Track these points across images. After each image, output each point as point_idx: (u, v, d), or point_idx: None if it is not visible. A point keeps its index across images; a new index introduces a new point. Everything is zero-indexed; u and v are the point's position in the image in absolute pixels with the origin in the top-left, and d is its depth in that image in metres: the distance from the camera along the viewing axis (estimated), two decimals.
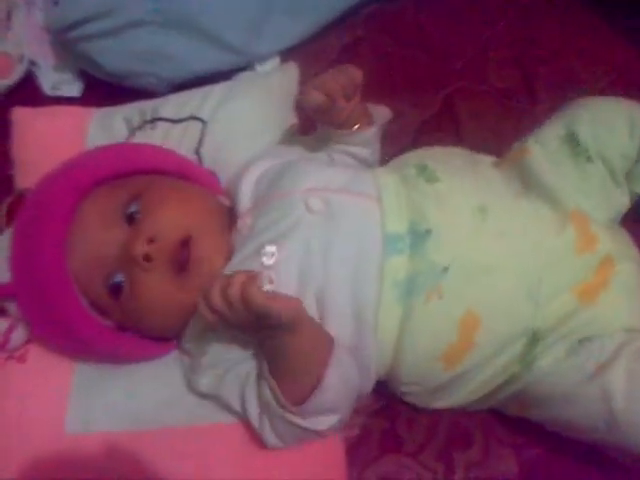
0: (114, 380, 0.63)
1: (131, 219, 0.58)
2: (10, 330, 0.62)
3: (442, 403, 0.62)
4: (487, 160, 0.69)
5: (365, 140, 0.66)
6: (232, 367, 0.58)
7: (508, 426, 0.65)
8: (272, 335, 0.52)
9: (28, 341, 0.64)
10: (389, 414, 0.66)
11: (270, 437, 0.57)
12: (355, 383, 0.57)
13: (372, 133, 0.65)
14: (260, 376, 0.56)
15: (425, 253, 0.55)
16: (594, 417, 0.54)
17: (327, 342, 0.55)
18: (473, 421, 0.65)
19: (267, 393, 0.54)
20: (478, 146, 0.73)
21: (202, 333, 0.59)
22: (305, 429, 0.55)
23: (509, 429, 0.65)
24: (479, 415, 0.65)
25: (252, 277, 0.50)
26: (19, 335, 0.62)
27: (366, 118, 0.65)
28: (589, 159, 0.60)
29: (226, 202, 0.66)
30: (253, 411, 0.57)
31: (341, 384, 0.54)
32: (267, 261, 0.56)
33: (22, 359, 0.64)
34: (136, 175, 0.63)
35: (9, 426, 0.61)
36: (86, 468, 0.59)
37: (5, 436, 0.60)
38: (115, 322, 0.61)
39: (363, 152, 0.67)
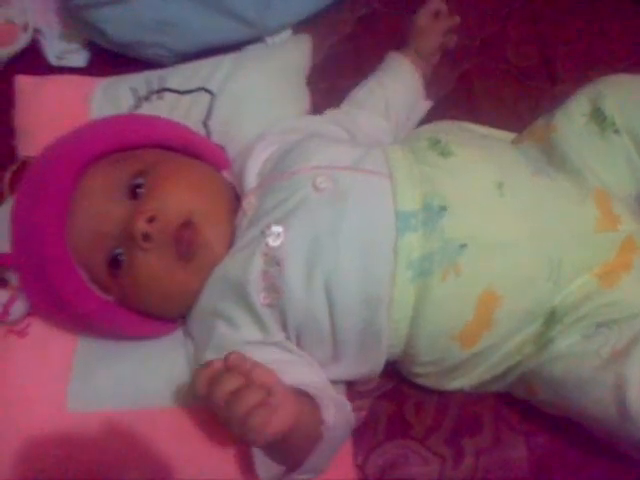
0: (117, 357, 0.61)
1: (134, 194, 0.57)
2: (11, 302, 0.61)
3: (455, 384, 0.61)
4: (504, 136, 0.68)
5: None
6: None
7: (518, 412, 0.63)
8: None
9: (29, 314, 0.63)
10: (396, 398, 0.65)
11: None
12: (340, 443, 0.56)
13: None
14: None
15: (441, 230, 0.54)
16: (606, 405, 0.52)
17: (315, 430, 0.51)
18: (483, 407, 0.64)
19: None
20: (495, 125, 0.72)
21: (206, 318, 0.58)
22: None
23: (519, 415, 0.64)
24: (489, 401, 0.64)
25: (262, 408, 0.45)
26: (20, 307, 0.61)
27: None
28: (616, 131, 0.59)
29: (232, 179, 0.64)
30: None
31: (326, 456, 0.54)
32: (273, 242, 0.54)
33: (23, 334, 0.63)
34: (143, 148, 0.62)
35: (9, 403, 0.60)
36: (87, 446, 0.58)
37: (5, 413, 0.59)
38: (116, 298, 0.59)
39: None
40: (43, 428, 0.59)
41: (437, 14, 0.76)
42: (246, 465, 0.57)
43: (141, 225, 0.54)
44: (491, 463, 0.62)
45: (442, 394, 0.63)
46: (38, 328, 0.63)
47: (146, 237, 0.54)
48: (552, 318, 0.56)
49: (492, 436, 0.63)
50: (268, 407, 0.45)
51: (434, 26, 0.76)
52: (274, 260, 0.54)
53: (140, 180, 0.57)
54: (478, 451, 0.62)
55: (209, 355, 0.57)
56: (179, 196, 0.57)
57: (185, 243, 0.56)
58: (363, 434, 0.63)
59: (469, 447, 0.63)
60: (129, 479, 0.57)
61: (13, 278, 0.60)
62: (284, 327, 0.56)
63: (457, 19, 0.76)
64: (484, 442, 0.63)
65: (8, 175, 0.64)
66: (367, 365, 0.59)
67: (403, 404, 0.64)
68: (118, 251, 0.56)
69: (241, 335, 0.56)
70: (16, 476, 0.57)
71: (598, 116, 0.60)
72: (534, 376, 0.57)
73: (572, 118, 0.62)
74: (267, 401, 0.45)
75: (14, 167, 0.64)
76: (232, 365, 0.47)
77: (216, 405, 0.46)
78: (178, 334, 0.63)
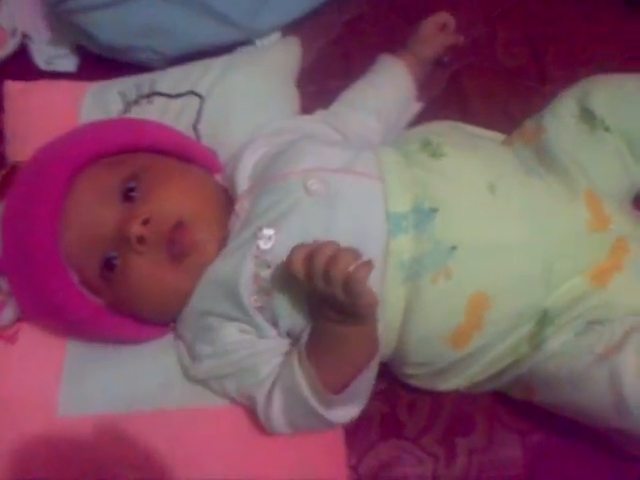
0: (108, 361, 0.61)
1: (127, 198, 0.57)
2: (0, 308, 0.60)
3: (448, 385, 0.61)
4: (495, 137, 0.68)
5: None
6: (231, 352, 0.57)
7: (512, 411, 0.63)
8: (340, 320, 0.51)
9: (19, 320, 0.63)
10: (389, 398, 0.65)
11: (277, 422, 0.56)
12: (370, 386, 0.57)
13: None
14: (288, 362, 0.55)
15: (431, 232, 0.54)
16: (602, 401, 0.52)
17: (377, 338, 0.54)
18: (476, 406, 0.64)
19: (298, 379, 0.53)
20: (486, 126, 0.72)
21: (198, 320, 0.58)
22: (324, 420, 0.54)
23: (513, 414, 0.64)
24: (482, 399, 0.64)
25: (362, 260, 0.48)
26: (9, 313, 0.61)
27: None
28: (607, 129, 0.59)
29: (224, 182, 0.64)
30: (260, 395, 0.56)
31: (372, 377, 0.55)
32: (264, 245, 0.54)
33: (12, 339, 0.62)
34: (135, 152, 0.62)
35: None
36: (79, 451, 0.58)
37: None
38: (107, 303, 0.59)
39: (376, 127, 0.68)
40: (34, 433, 0.58)
41: (443, 27, 0.76)
42: (237, 465, 0.57)
43: (136, 228, 0.54)
44: (485, 462, 0.62)
45: (435, 394, 0.63)
46: (28, 334, 0.62)
47: (140, 240, 0.54)
48: (544, 319, 0.56)
49: (486, 435, 0.63)
50: (369, 263, 0.47)
51: (437, 38, 0.76)
52: (265, 263, 0.54)
53: (132, 184, 0.57)
54: (472, 450, 0.62)
55: (205, 349, 0.57)
56: (172, 199, 0.57)
57: (178, 244, 0.56)
58: (356, 435, 0.63)
59: (463, 446, 0.63)
60: None
61: (2, 284, 0.60)
62: (275, 326, 0.57)
63: (461, 39, 0.77)
64: (478, 441, 0.63)
65: None
66: None
67: (396, 404, 0.64)
68: (112, 254, 0.56)
69: (235, 329, 0.57)
70: None
71: (587, 115, 0.60)
72: (530, 376, 0.57)
73: (561, 119, 0.62)
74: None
75: (3, 172, 0.64)
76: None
77: (316, 274, 0.48)
78: (168, 337, 0.62)
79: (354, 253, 0.48)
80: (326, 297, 0.50)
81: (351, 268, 0.47)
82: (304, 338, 0.54)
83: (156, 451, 0.57)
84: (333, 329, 0.52)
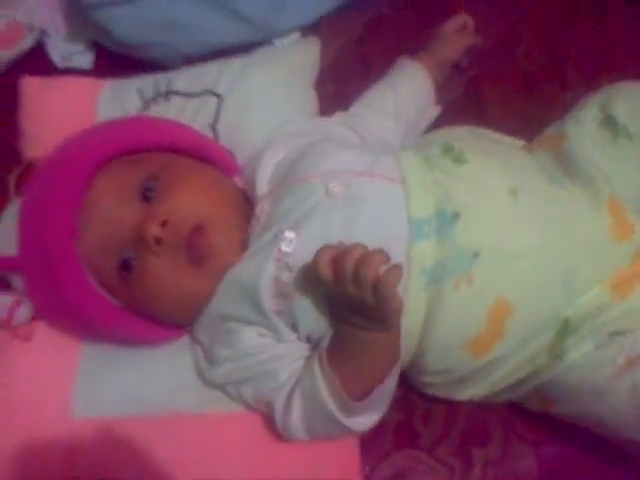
0: (123, 362, 0.61)
1: (145, 198, 0.56)
2: (15, 306, 0.60)
3: (465, 394, 0.60)
4: (516, 143, 0.67)
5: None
6: (251, 355, 0.56)
7: (528, 422, 0.63)
8: (364, 325, 0.51)
9: (34, 318, 0.62)
10: (405, 407, 0.64)
11: (296, 429, 0.55)
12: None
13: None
14: (309, 367, 0.54)
15: (453, 238, 0.53)
16: (623, 413, 0.52)
17: (399, 345, 0.54)
18: (492, 416, 0.64)
19: (319, 384, 0.52)
20: (504, 131, 0.71)
21: (217, 323, 0.57)
22: (344, 427, 0.53)
23: (529, 425, 0.63)
24: (498, 410, 0.64)
25: (393, 263, 0.48)
26: (24, 312, 0.60)
27: None
28: (630, 136, 0.59)
29: (242, 184, 0.64)
30: (279, 400, 0.55)
31: (393, 385, 0.54)
32: (285, 248, 0.54)
33: (27, 338, 0.62)
34: (154, 152, 0.61)
35: (13, 407, 0.59)
36: (90, 451, 0.58)
37: (8, 419, 0.59)
38: (123, 303, 0.58)
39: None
40: (47, 433, 0.58)
41: (463, 28, 0.76)
42: (249, 472, 0.57)
43: (153, 229, 0.53)
44: (500, 474, 0.62)
45: (451, 403, 0.63)
46: (43, 333, 0.62)
47: (158, 241, 0.54)
48: (566, 329, 0.55)
49: (501, 446, 0.62)
50: (399, 266, 0.47)
51: (456, 39, 0.75)
52: (286, 266, 0.54)
53: (151, 183, 0.56)
54: (487, 462, 0.62)
55: (223, 353, 0.57)
56: (191, 200, 0.56)
57: (197, 247, 0.55)
58: (371, 444, 0.62)
59: (478, 457, 0.62)
60: None
61: (18, 282, 0.59)
62: (295, 330, 0.56)
63: (480, 40, 0.77)
64: (493, 452, 0.62)
65: (14, 178, 0.62)
66: None
67: (412, 413, 0.64)
68: (129, 255, 0.55)
69: (254, 332, 0.56)
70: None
71: (610, 123, 0.60)
72: (549, 387, 0.56)
73: (584, 125, 0.61)
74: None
75: (19, 169, 0.63)
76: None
77: (345, 276, 0.47)
78: (184, 340, 0.62)
79: (384, 255, 0.47)
80: (352, 301, 0.49)
81: (382, 271, 0.47)
82: (325, 343, 0.54)
83: (170, 456, 0.57)
84: (356, 335, 0.52)
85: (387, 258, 0.48)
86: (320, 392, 0.52)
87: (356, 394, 0.52)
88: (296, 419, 0.54)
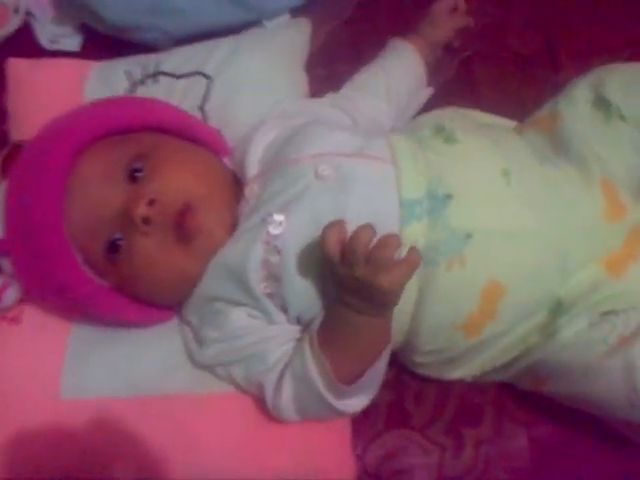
0: (113, 344, 0.60)
1: (133, 178, 0.56)
2: (3, 288, 0.59)
3: (456, 373, 0.60)
4: (508, 124, 0.67)
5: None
6: (240, 337, 0.56)
7: (520, 403, 0.63)
8: (359, 308, 0.50)
9: (22, 301, 0.62)
10: (396, 387, 0.64)
11: (286, 410, 0.55)
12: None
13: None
14: (299, 348, 0.54)
15: (446, 219, 0.53)
16: (615, 392, 0.52)
17: (390, 331, 0.54)
18: (484, 397, 0.64)
19: (309, 366, 0.52)
20: (497, 113, 0.71)
21: (206, 305, 0.57)
22: (334, 409, 0.53)
23: (521, 406, 0.63)
24: (490, 391, 0.64)
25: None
26: (12, 294, 0.60)
27: None
28: (622, 117, 0.58)
29: (232, 165, 0.63)
30: (270, 382, 0.55)
31: (383, 368, 0.54)
32: (274, 230, 0.54)
33: (16, 320, 0.61)
34: (141, 132, 0.60)
35: (2, 390, 0.58)
36: (80, 433, 0.57)
37: None
38: (112, 284, 0.58)
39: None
40: (36, 415, 0.58)
41: (454, 9, 0.75)
42: (240, 452, 0.56)
43: (141, 209, 0.53)
44: (492, 453, 0.62)
45: (442, 384, 0.63)
46: (31, 315, 0.61)
47: (146, 221, 0.53)
48: (558, 309, 0.55)
49: (493, 426, 0.63)
50: (414, 252, 0.48)
51: (448, 20, 0.75)
52: (275, 249, 0.53)
53: (139, 164, 0.56)
54: (479, 442, 0.62)
55: (212, 334, 0.56)
56: (179, 180, 0.56)
57: (185, 226, 0.55)
58: (363, 424, 0.62)
59: (469, 437, 0.62)
60: (121, 466, 0.56)
61: (6, 264, 0.58)
62: (285, 312, 0.56)
63: (471, 21, 0.76)
64: (485, 432, 0.62)
65: (0, 159, 0.62)
66: None
67: (403, 394, 0.64)
68: (117, 235, 0.55)
69: (244, 314, 0.56)
70: (8, 464, 0.56)
71: (602, 103, 0.59)
72: (541, 366, 0.56)
73: (577, 106, 0.61)
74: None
75: (5, 151, 0.63)
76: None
77: (357, 256, 0.47)
78: (174, 321, 0.62)
79: (399, 239, 0.48)
80: (358, 283, 0.49)
81: (398, 255, 0.47)
82: (316, 325, 0.54)
83: (156, 437, 0.56)
84: (348, 317, 0.51)
85: (400, 242, 0.48)
86: (310, 372, 0.52)
87: (346, 377, 0.52)
88: (286, 400, 0.54)
